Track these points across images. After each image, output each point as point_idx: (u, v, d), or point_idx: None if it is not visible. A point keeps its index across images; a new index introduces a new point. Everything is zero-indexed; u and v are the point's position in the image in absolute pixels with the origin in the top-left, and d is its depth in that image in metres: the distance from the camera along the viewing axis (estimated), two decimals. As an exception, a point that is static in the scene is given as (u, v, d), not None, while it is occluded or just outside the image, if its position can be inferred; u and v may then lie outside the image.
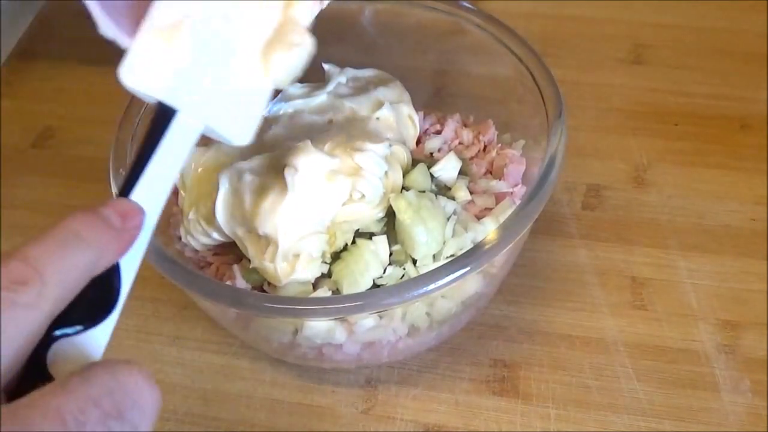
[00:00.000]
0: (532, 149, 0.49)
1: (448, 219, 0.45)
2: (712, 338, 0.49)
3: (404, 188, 0.46)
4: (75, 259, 0.25)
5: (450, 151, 0.50)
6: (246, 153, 0.46)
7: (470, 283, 0.44)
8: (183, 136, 0.31)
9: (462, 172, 0.49)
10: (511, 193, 0.48)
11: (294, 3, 0.35)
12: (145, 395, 0.24)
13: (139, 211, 0.28)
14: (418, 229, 0.43)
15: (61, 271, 0.25)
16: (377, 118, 0.48)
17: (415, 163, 0.48)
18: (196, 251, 0.48)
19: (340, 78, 0.51)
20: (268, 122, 0.49)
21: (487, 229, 0.45)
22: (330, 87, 0.51)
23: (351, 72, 0.52)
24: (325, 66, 0.52)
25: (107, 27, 0.33)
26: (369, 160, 0.44)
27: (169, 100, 0.31)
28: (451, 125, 0.53)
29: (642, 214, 0.55)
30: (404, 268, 0.44)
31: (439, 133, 0.53)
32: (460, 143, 0.52)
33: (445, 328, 0.46)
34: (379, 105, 0.48)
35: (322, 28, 0.52)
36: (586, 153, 0.58)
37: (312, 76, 0.47)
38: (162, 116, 0.31)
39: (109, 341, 0.27)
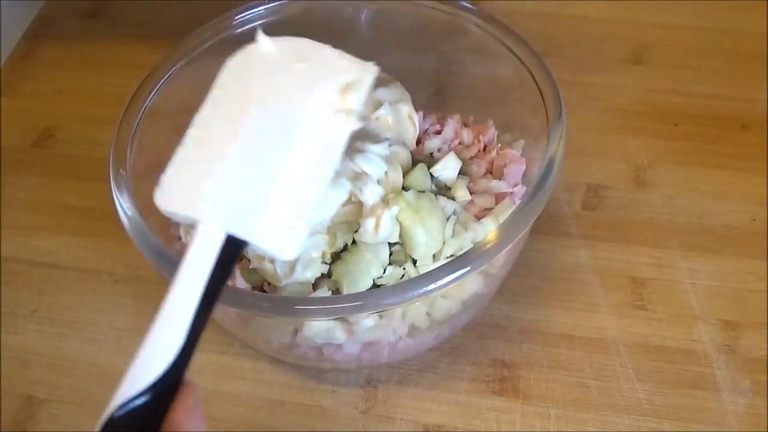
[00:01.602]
0: (532, 149, 0.49)
1: (447, 219, 0.45)
2: (712, 338, 0.49)
3: (404, 188, 0.46)
4: None
5: (450, 151, 0.50)
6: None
7: (470, 283, 0.44)
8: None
9: (462, 172, 0.49)
10: (511, 193, 0.48)
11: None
12: None
13: None
14: (417, 229, 0.43)
15: None
16: (377, 118, 0.48)
17: (415, 163, 0.48)
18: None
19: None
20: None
21: (487, 229, 0.45)
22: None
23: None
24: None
25: None
26: (369, 160, 0.44)
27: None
28: (451, 125, 0.53)
29: (642, 214, 0.55)
30: (404, 268, 0.44)
31: (439, 133, 0.53)
32: (460, 143, 0.52)
33: (445, 328, 0.46)
34: (379, 105, 0.48)
35: (322, 28, 0.52)
36: (586, 153, 0.58)
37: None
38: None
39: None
